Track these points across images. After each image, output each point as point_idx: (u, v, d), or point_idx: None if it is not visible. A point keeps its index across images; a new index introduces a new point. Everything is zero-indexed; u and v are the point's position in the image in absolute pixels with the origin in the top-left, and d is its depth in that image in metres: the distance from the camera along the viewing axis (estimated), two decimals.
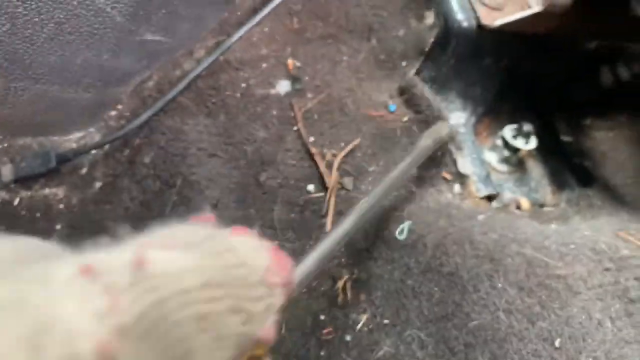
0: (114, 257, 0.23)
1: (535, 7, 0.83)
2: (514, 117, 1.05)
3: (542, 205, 1.00)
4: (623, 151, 1.04)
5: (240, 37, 0.82)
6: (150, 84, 0.83)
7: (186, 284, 0.24)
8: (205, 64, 0.81)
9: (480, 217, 0.79)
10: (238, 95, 0.83)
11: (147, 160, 0.78)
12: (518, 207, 0.98)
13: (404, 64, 0.98)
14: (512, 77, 0.99)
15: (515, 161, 1.01)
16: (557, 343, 0.64)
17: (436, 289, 0.70)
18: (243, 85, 0.84)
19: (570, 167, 1.04)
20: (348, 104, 0.91)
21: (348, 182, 0.83)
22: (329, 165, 0.83)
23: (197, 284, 0.24)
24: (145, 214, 0.76)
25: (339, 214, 0.78)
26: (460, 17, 0.87)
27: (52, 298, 0.20)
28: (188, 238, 0.28)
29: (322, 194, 0.80)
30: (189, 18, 0.80)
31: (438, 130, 0.91)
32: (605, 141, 1.06)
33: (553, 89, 1.06)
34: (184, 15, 0.78)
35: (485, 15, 0.87)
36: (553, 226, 0.83)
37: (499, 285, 0.69)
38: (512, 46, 0.93)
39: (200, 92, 0.82)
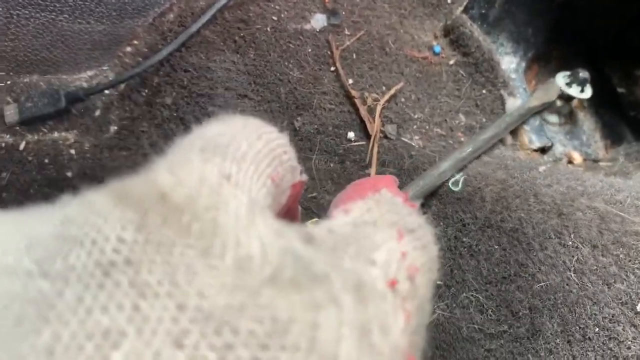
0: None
1: None
2: (564, 65, 0.95)
3: (595, 160, 0.91)
4: None
5: None
6: (171, 16, 0.73)
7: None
8: None
9: (542, 168, 0.70)
10: (269, 29, 0.74)
11: (168, 101, 0.70)
12: (570, 162, 0.89)
13: (449, 0, 0.88)
14: (566, 17, 0.89)
15: (567, 112, 0.92)
16: (638, 307, 0.57)
17: (497, 247, 0.62)
18: (274, 18, 0.75)
19: (625, 120, 0.95)
20: (389, 43, 0.81)
21: (391, 129, 0.75)
22: (371, 111, 0.74)
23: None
24: None
25: (382, 165, 0.70)
26: None
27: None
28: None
29: (363, 142, 0.72)
30: None
31: (548, 93, 0.84)
32: None
33: (607, 33, 0.97)
34: None
35: None
36: (620, 180, 0.75)
37: (569, 242, 0.61)
38: None
39: (227, 26, 0.72)
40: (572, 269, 0.60)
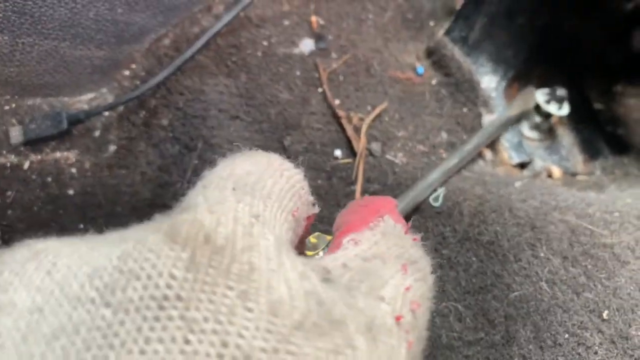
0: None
1: None
2: (544, 83, 1.00)
3: (574, 174, 0.95)
4: None
5: None
6: (167, 41, 0.77)
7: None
8: (224, 21, 0.75)
9: (518, 184, 0.75)
10: (259, 54, 0.78)
11: (164, 122, 0.74)
12: (549, 176, 0.93)
13: (431, 23, 0.92)
14: (545, 38, 0.94)
15: (546, 128, 0.97)
16: (604, 315, 0.61)
17: (474, 259, 0.66)
18: (264, 43, 0.79)
19: (602, 135, 0.99)
20: (374, 65, 0.86)
21: (376, 147, 0.79)
22: (357, 130, 0.79)
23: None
24: (164, 179, 0.71)
25: (368, 182, 0.74)
26: None
27: None
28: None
29: (349, 160, 0.76)
30: None
31: (526, 101, 0.88)
32: (638, 108, 1.02)
33: (585, 52, 1.01)
34: None
35: None
36: (592, 194, 0.79)
37: (542, 254, 0.65)
38: (548, 3, 0.88)
39: (220, 51, 0.77)
40: (544, 279, 0.63)
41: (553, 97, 0.91)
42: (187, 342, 0.19)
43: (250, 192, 0.28)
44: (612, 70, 1.06)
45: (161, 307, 0.20)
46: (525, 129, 0.96)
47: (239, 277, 0.22)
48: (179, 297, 0.20)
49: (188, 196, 0.28)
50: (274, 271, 0.23)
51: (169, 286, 0.20)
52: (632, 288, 0.62)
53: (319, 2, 0.85)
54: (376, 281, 0.28)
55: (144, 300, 0.20)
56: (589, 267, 0.63)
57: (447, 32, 0.89)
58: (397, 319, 0.27)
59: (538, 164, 0.94)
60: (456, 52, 0.87)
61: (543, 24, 0.92)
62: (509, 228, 0.67)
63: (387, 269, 0.30)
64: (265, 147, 0.75)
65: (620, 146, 0.97)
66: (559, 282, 0.63)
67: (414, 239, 0.37)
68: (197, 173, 0.71)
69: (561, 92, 0.91)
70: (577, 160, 0.98)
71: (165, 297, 0.20)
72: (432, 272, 0.35)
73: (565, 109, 0.91)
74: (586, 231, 0.66)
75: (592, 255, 0.64)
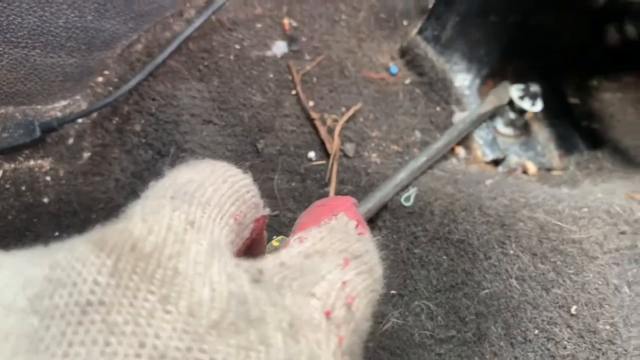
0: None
1: None
2: (519, 79, 1.01)
3: (549, 170, 0.96)
4: (631, 113, 1.00)
5: None
6: (139, 47, 0.78)
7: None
8: (196, 25, 0.76)
9: (488, 181, 0.75)
10: (232, 57, 0.79)
11: (137, 128, 0.74)
12: (525, 172, 0.94)
13: (405, 23, 0.93)
14: (519, 35, 0.95)
15: (521, 124, 0.98)
16: (573, 310, 0.62)
17: (445, 257, 0.67)
18: (237, 46, 0.79)
19: (577, 130, 1.00)
20: (348, 66, 0.86)
21: (350, 148, 0.79)
22: (330, 131, 0.79)
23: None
24: (137, 185, 0.72)
25: (342, 183, 0.75)
26: None
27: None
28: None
29: (323, 161, 0.77)
30: None
31: (500, 96, 0.89)
32: (613, 103, 1.03)
33: (560, 48, 1.02)
34: None
35: None
36: (564, 190, 0.80)
37: (511, 251, 0.65)
38: (521, 1, 0.89)
39: (192, 55, 0.77)
40: (514, 276, 0.64)
41: (527, 93, 0.92)
42: (107, 344, 0.20)
43: (189, 200, 0.29)
44: (587, 65, 1.07)
45: (84, 312, 0.21)
46: (500, 125, 0.97)
47: (162, 282, 0.23)
48: (101, 302, 0.21)
49: (129, 206, 0.29)
50: (199, 275, 0.24)
51: (92, 292, 0.21)
52: (599, 282, 0.63)
53: (292, 4, 0.85)
54: (310, 278, 0.29)
55: (68, 306, 0.21)
56: (558, 263, 0.64)
57: (420, 32, 0.89)
58: (327, 314, 0.28)
59: (513, 160, 0.95)
60: (429, 51, 0.88)
61: (516, 21, 0.92)
62: (479, 226, 0.67)
63: (325, 264, 0.31)
64: (239, 151, 0.76)
65: (595, 141, 0.98)
66: (529, 279, 0.64)
67: (360, 234, 0.39)
68: None
69: (535, 88, 0.92)
70: (553, 155, 0.99)
71: (89, 303, 0.21)
72: (380, 265, 0.37)
73: (539, 105, 0.92)
74: (555, 227, 0.67)
75: (561, 251, 0.65)
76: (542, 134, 1.00)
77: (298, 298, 0.28)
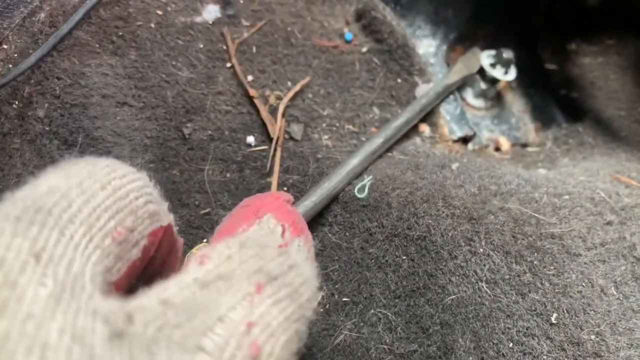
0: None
1: None
2: (491, 44, 0.90)
3: (524, 145, 0.87)
4: (613, 79, 0.91)
5: None
6: (41, 15, 0.65)
7: None
8: None
9: (455, 165, 0.65)
10: (152, 25, 0.67)
11: (40, 113, 0.62)
12: (497, 149, 0.85)
13: None
14: None
15: (493, 94, 0.88)
16: (553, 318, 0.53)
17: (404, 257, 0.57)
18: (159, 12, 0.67)
19: (555, 100, 0.90)
20: (294, 32, 0.75)
21: (297, 130, 0.68)
22: (273, 111, 0.68)
23: None
24: None
25: (286, 172, 0.64)
26: None
27: None
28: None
29: (264, 147, 0.66)
30: None
31: (469, 64, 0.78)
32: (593, 68, 0.93)
33: (536, 8, 0.91)
34: None
35: None
36: (541, 171, 0.70)
37: (480, 250, 0.56)
38: None
39: (103, 25, 0.65)
40: (484, 279, 0.55)
41: (499, 60, 0.81)
42: None
43: (41, 220, 0.24)
44: (565, 27, 0.97)
45: None
46: (469, 96, 0.86)
47: None
48: None
49: None
50: (28, 336, 0.19)
51: None
52: (583, 285, 0.54)
53: None
54: (202, 321, 0.24)
55: None
56: (535, 262, 0.55)
57: None
58: None
59: (484, 135, 0.85)
60: (388, 14, 0.76)
61: None
62: (442, 220, 0.57)
63: (227, 297, 0.25)
64: (160, 138, 0.64)
65: (574, 111, 0.88)
66: (501, 282, 0.55)
67: (282, 245, 0.32)
68: None
69: (508, 54, 0.81)
70: (528, 128, 0.89)
71: None
72: (312, 281, 0.31)
73: (512, 73, 0.82)
74: (531, 220, 0.57)
75: (539, 249, 0.55)
76: (516, 105, 0.90)
77: (177, 356, 0.22)
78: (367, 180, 0.62)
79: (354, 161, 0.63)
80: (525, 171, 0.67)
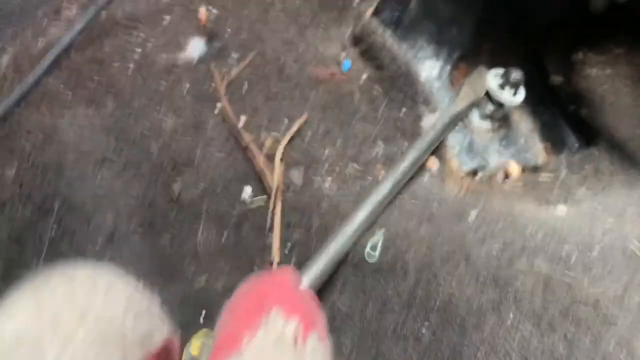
0: None
1: None
2: (496, 59, 0.84)
3: (535, 169, 0.82)
4: (625, 93, 0.85)
5: None
6: (4, 60, 0.58)
7: None
8: (79, 26, 0.56)
9: (473, 214, 0.60)
10: (131, 66, 0.59)
11: (9, 173, 0.55)
12: (507, 176, 0.79)
13: (357, 0, 0.74)
14: (496, 8, 0.77)
15: (501, 115, 0.82)
16: None
17: (425, 329, 0.52)
18: (138, 50, 0.60)
19: (564, 118, 0.85)
20: (288, 63, 0.68)
21: (297, 175, 0.62)
22: (270, 157, 0.61)
23: None
24: (15, 253, 0.54)
25: (287, 227, 0.58)
26: None
27: None
28: None
29: (263, 196, 0.59)
30: None
31: (476, 87, 0.72)
32: (602, 81, 0.87)
33: (542, 19, 0.86)
34: None
35: None
36: (561, 209, 0.65)
37: (510, 319, 0.51)
38: None
39: (77, 69, 0.57)
40: (515, 352, 0.50)
41: (507, 81, 0.75)
42: None
43: None
44: (570, 35, 0.91)
45: None
46: (476, 118, 0.80)
47: None
48: None
49: None
50: None
51: None
52: (623, 354, 0.49)
53: None
54: None
55: None
56: (569, 332, 0.50)
57: (377, 13, 0.71)
58: None
59: (493, 160, 0.79)
60: (389, 38, 0.70)
61: None
62: (466, 286, 0.52)
63: None
64: (147, 200, 0.57)
65: (585, 130, 0.83)
66: (534, 354, 0.50)
67: (308, 328, 0.34)
68: (55, 245, 0.53)
69: (516, 74, 0.75)
70: (538, 149, 0.84)
71: None
72: None
73: (521, 95, 0.76)
74: (562, 283, 0.52)
75: (572, 316, 0.50)
76: (524, 123, 0.85)
77: None
78: (378, 236, 0.56)
79: (362, 214, 0.57)
80: (546, 210, 0.62)
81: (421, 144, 0.65)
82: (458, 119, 0.71)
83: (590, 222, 0.60)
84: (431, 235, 0.56)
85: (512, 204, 0.65)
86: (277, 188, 0.60)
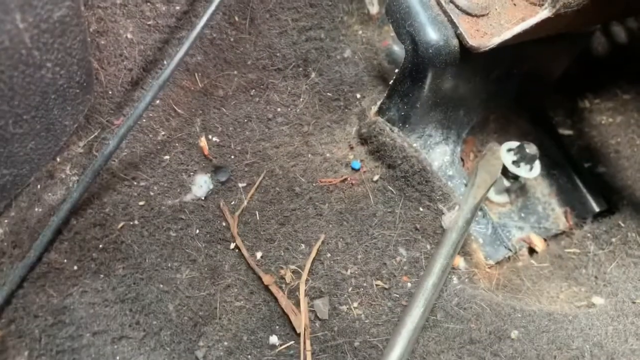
0: None
1: (544, 13, 0.57)
2: (503, 125, 0.81)
3: (556, 235, 0.79)
4: (639, 145, 0.82)
5: (121, 129, 0.54)
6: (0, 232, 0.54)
7: None
8: (78, 189, 0.52)
9: (514, 334, 0.57)
10: (136, 222, 0.56)
11: None
12: (531, 250, 0.76)
13: (358, 95, 0.71)
14: (503, 86, 0.74)
15: (517, 188, 0.79)
16: None
17: None
18: (141, 203, 0.56)
19: (581, 179, 0.82)
20: (297, 177, 0.64)
21: (322, 306, 0.59)
22: (292, 291, 0.58)
23: None
24: None
25: None
26: (436, 36, 0.60)
27: None
28: None
29: (292, 342, 0.56)
30: (30, 130, 0.50)
31: (491, 169, 0.69)
32: (614, 131, 0.84)
33: (546, 84, 0.82)
34: (20, 131, 0.48)
35: (470, 29, 0.60)
36: (598, 303, 0.63)
37: None
38: (506, 55, 0.68)
39: (79, 238, 0.54)
40: None
41: (522, 157, 0.73)
42: None
43: None
44: (574, 83, 0.88)
45: None
46: (492, 194, 0.78)
47: None
48: None
49: None
50: None
51: None
52: None
53: (206, 111, 0.62)
54: None
55: None
56: None
57: (381, 112, 0.68)
58: None
59: (514, 236, 0.76)
60: (397, 136, 0.66)
61: (499, 75, 0.71)
62: None
63: None
64: None
65: (604, 190, 0.80)
66: None
67: None
68: None
69: (531, 149, 0.72)
70: (557, 215, 0.81)
71: None
72: None
73: (537, 169, 0.74)
74: None
75: None
76: (540, 189, 0.82)
77: None
78: None
79: (398, 351, 0.54)
80: (588, 317, 0.59)
81: (446, 250, 0.62)
82: (478, 209, 0.68)
83: (637, 326, 0.57)
84: None
85: (547, 303, 0.62)
86: (306, 327, 0.56)
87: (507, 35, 0.58)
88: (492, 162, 0.71)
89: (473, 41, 0.59)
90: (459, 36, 0.60)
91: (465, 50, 0.60)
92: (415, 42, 0.61)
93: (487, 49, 0.59)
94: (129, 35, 0.56)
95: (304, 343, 0.56)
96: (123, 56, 0.56)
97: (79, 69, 0.49)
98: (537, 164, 0.74)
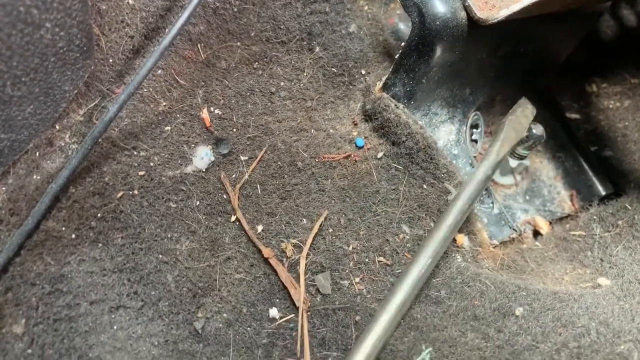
0: None
1: None
2: (508, 106, 0.80)
3: (561, 218, 0.78)
4: None
5: (121, 95, 0.53)
6: None
7: None
8: (77, 156, 0.52)
9: (519, 311, 0.56)
10: (136, 192, 0.55)
11: (18, 330, 0.51)
12: (536, 232, 0.75)
13: (363, 71, 0.70)
14: (509, 63, 0.73)
15: (522, 169, 0.78)
16: None
17: None
18: (141, 173, 0.56)
19: (587, 162, 0.81)
20: (299, 152, 0.63)
21: (323, 281, 0.58)
22: (293, 265, 0.57)
23: None
24: None
25: (323, 345, 0.54)
26: (443, 8, 0.59)
27: None
28: None
29: (292, 315, 0.55)
30: (29, 93, 0.49)
31: (518, 126, 0.66)
32: (622, 115, 0.83)
33: (554, 62, 0.81)
34: (19, 94, 0.47)
35: (478, 1, 0.59)
36: (604, 284, 0.62)
37: None
38: (513, 31, 0.67)
39: (77, 206, 0.53)
40: None
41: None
42: None
43: None
44: (581, 67, 0.87)
45: None
46: (497, 176, 0.77)
47: None
48: None
49: None
50: None
51: None
52: None
53: (208, 83, 0.61)
54: None
55: None
56: None
57: (386, 87, 0.66)
58: None
59: (519, 218, 0.75)
60: (403, 112, 0.65)
61: (506, 51, 0.70)
62: None
63: None
64: (170, 342, 0.53)
65: (611, 174, 0.79)
66: None
67: None
68: None
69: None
70: (563, 198, 0.80)
71: None
72: None
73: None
74: None
75: None
76: (545, 171, 0.81)
77: None
78: (424, 355, 0.52)
79: (386, 317, 0.52)
80: (593, 296, 0.58)
81: (463, 201, 0.59)
82: (499, 165, 0.64)
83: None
84: (477, 342, 0.52)
85: (552, 284, 0.62)
86: (305, 302, 0.55)
87: (515, 7, 0.57)
88: (520, 120, 0.68)
89: (481, 13, 0.58)
90: (466, 8, 0.59)
91: (473, 23, 0.59)
92: (422, 14, 0.60)
93: (495, 21, 0.58)
94: (131, 1, 0.55)
95: (302, 317, 0.55)
96: (124, 22, 0.55)
97: (79, 32, 0.48)
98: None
